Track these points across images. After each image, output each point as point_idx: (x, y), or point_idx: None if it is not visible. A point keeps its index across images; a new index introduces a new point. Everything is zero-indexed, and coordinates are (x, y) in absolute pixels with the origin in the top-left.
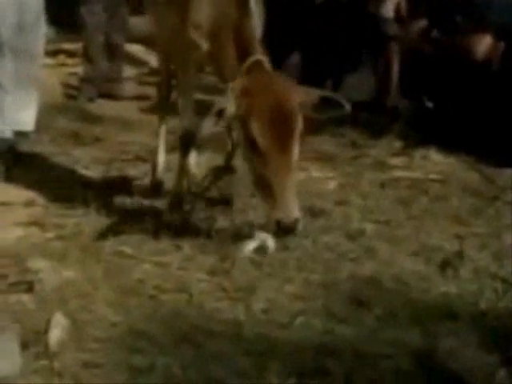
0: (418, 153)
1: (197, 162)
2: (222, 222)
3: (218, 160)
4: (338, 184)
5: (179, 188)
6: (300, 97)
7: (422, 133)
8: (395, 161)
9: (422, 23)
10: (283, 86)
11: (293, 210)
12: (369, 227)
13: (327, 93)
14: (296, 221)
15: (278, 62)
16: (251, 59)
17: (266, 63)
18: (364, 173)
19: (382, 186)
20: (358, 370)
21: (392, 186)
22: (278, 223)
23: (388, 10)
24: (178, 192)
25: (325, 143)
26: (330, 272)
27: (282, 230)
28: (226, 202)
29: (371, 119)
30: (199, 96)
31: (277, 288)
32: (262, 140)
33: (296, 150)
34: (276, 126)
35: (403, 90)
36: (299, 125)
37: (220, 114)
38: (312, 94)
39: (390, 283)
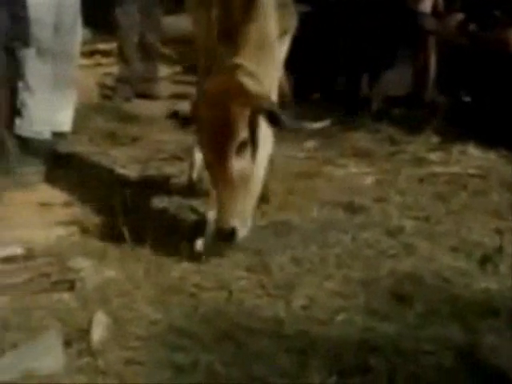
0: (457, 148)
1: None
2: (258, 219)
3: None
4: (376, 180)
5: None
6: (247, 109)
7: (460, 127)
8: (433, 156)
9: (459, 17)
10: (231, 97)
11: (227, 220)
12: (408, 223)
13: (273, 107)
14: (233, 230)
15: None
16: (226, 64)
17: (242, 70)
18: (402, 169)
19: (421, 181)
20: (400, 367)
21: (430, 181)
22: (217, 231)
23: (426, 5)
24: None
25: (362, 139)
26: (370, 269)
27: (220, 238)
28: (262, 199)
29: (408, 114)
30: None
31: (316, 285)
32: (202, 150)
33: (235, 161)
34: (213, 138)
35: (440, 85)
36: (238, 137)
37: (175, 115)
38: (260, 106)
39: (431, 279)
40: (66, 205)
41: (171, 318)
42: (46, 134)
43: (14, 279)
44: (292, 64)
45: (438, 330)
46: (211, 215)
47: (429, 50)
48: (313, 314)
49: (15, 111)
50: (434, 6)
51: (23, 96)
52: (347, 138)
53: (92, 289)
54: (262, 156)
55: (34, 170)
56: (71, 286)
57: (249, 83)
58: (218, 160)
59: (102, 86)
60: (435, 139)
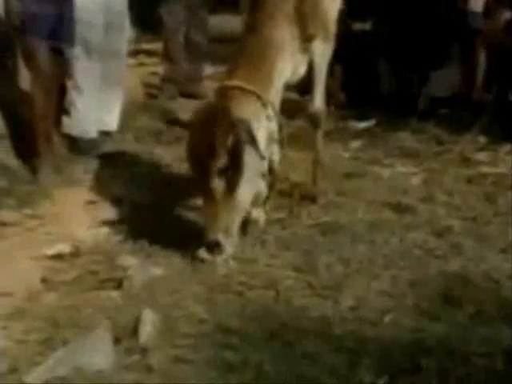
0: (504, 148)
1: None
2: (306, 220)
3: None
4: (423, 180)
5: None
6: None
7: (506, 127)
8: (480, 156)
9: (507, 15)
10: (215, 122)
11: (211, 233)
12: (456, 224)
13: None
14: (217, 242)
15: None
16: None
17: (232, 93)
18: (449, 168)
19: (468, 181)
20: (451, 368)
21: (478, 181)
22: (204, 243)
23: (477, 4)
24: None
25: (408, 139)
26: (419, 269)
27: (208, 250)
28: (310, 199)
29: (455, 114)
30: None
31: (365, 285)
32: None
33: (215, 182)
34: (196, 159)
35: (487, 85)
36: (218, 162)
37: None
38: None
39: (480, 280)
40: (113, 203)
41: (219, 317)
42: (94, 133)
43: (63, 277)
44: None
45: (487, 331)
46: (254, 211)
47: (477, 49)
48: (361, 315)
49: (64, 110)
50: (486, 5)
51: (72, 95)
52: (393, 137)
53: (140, 287)
54: (247, 179)
55: (81, 168)
56: (119, 284)
57: (232, 108)
58: (200, 180)
59: (147, 85)
60: (482, 139)
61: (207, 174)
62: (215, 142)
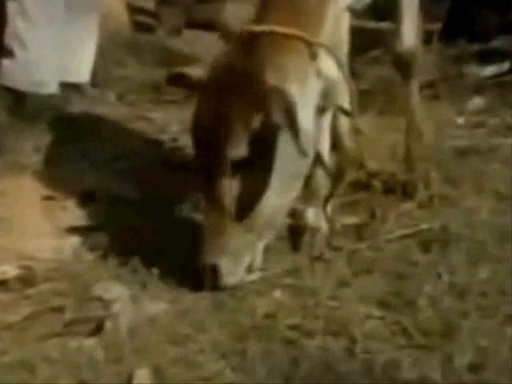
0: None
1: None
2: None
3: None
4: None
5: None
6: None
7: None
8: None
9: None
10: (237, 89)
11: (208, 255)
12: None
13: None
14: (214, 268)
15: None
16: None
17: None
18: None
19: None
20: None
21: None
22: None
23: None
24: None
25: None
26: None
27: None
28: (402, 193)
29: None
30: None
31: (493, 329)
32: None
33: (227, 182)
34: (202, 142)
35: None
36: (233, 151)
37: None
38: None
39: None
40: (82, 199)
41: (255, 378)
42: (52, 87)
43: (7, 317)
44: None
45: None
46: (310, 214)
47: None
48: (487, 377)
49: (3, 50)
50: None
51: (16, 27)
52: None
53: (129, 332)
54: (277, 184)
55: (32, 143)
56: (97, 328)
57: (266, 71)
58: (206, 174)
59: (137, 10)
60: None
61: (216, 166)
62: (234, 120)
